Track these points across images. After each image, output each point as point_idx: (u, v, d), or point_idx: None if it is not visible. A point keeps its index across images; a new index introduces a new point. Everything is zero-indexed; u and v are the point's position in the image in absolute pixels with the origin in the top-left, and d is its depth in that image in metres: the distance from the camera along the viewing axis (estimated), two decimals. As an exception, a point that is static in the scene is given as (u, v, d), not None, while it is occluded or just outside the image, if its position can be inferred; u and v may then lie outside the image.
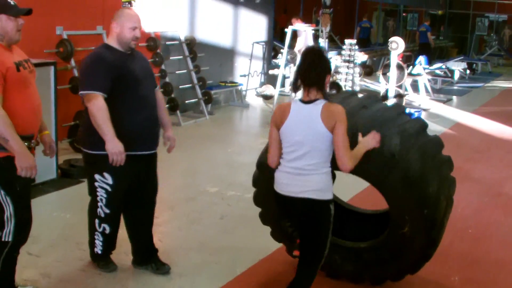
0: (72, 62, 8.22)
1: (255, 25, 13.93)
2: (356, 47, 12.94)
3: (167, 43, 10.77)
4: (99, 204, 4.47)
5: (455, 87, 18.01)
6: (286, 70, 12.85)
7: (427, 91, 15.23)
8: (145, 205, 4.73)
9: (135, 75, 4.38)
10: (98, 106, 4.16)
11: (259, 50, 14.15)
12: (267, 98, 13.09)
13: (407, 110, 4.82)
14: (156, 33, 10.36)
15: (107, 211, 4.49)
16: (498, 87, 19.08)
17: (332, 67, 13.76)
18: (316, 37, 13.47)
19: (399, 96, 12.20)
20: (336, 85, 12.35)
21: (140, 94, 4.39)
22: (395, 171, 4.06)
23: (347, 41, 13.03)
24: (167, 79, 10.46)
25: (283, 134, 3.80)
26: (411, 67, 15.24)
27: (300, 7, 16.77)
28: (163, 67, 10.39)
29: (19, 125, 3.68)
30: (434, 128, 11.35)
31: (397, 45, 12.00)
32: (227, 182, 7.24)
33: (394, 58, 12.20)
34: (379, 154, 4.02)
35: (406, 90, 13.77)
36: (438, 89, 16.81)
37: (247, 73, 13.69)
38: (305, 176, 3.71)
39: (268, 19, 14.49)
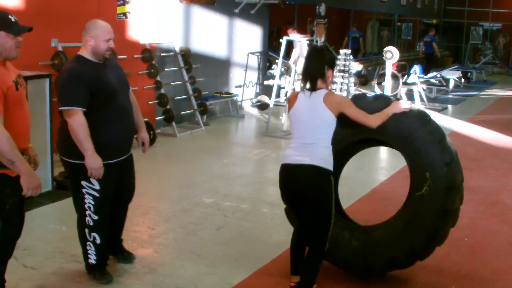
0: (67, 74, 8.21)
1: (250, 36, 13.97)
2: (351, 57, 12.97)
3: (162, 54, 10.79)
4: (87, 212, 4.54)
5: (450, 96, 18.06)
6: (281, 81, 12.86)
7: (422, 100, 15.26)
8: (124, 202, 4.95)
9: (112, 86, 4.50)
10: (78, 122, 4.27)
11: (254, 61, 14.18)
12: (262, 108, 13.12)
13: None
14: (151, 44, 10.38)
15: (96, 217, 4.56)
16: (493, 95, 19.13)
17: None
18: (311, 47, 13.49)
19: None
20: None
21: (118, 104, 4.54)
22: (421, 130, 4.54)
23: (341, 51, 13.06)
24: (162, 91, 10.47)
25: (292, 116, 4.49)
26: (406, 76, 15.29)
27: (294, 18, 16.80)
28: (158, 78, 10.40)
29: (17, 142, 3.67)
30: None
31: (391, 54, 12.05)
32: (223, 193, 7.23)
33: (389, 68, 12.23)
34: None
35: (401, 99, 13.78)
36: (433, 98, 16.86)
37: (242, 83, 13.72)
38: (310, 147, 4.32)
39: (263, 30, 14.53)
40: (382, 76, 12.56)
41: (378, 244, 4.67)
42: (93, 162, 4.31)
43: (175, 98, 10.93)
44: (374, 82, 13.34)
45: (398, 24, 26.45)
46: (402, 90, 13.79)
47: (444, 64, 23.26)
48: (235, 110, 13.16)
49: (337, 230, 4.77)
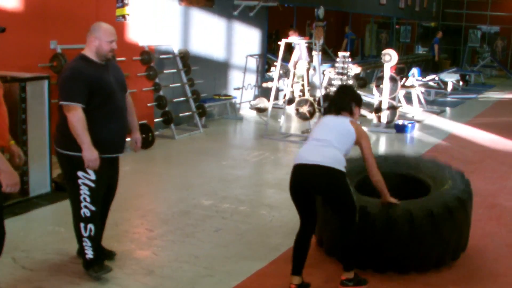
0: (66, 76, 8.22)
1: (248, 38, 13.98)
2: (350, 59, 13.00)
3: (161, 56, 10.79)
4: (83, 204, 4.69)
5: (449, 99, 18.08)
6: (280, 83, 12.87)
7: (420, 102, 15.27)
8: (106, 201, 5.05)
9: (111, 87, 4.73)
10: (77, 117, 4.51)
11: (252, 63, 14.19)
12: (261, 111, 13.11)
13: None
14: (150, 46, 10.38)
15: (92, 208, 4.72)
16: (491, 98, 19.16)
17: (326, 80, 13.82)
18: (310, 50, 13.53)
19: (393, 108, 12.24)
20: (330, 98, 12.38)
21: (115, 104, 4.76)
22: None
23: (340, 53, 13.09)
24: (161, 93, 10.47)
25: (316, 124, 4.93)
26: (404, 79, 15.30)
27: (293, 21, 16.83)
28: (157, 80, 10.41)
29: None
30: (427, 140, 11.39)
31: (390, 57, 12.04)
32: (222, 195, 7.23)
33: (387, 70, 12.24)
34: None
35: (399, 102, 13.82)
36: (431, 101, 16.88)
37: (241, 86, 13.73)
38: (324, 148, 4.57)
39: (262, 32, 14.54)
40: (380, 79, 12.55)
41: None
42: (90, 154, 4.52)
43: (174, 100, 10.94)
44: (373, 85, 13.32)
45: (397, 27, 26.47)
46: (400, 93, 13.81)
47: (443, 67, 23.30)
48: (234, 112, 13.16)
49: None
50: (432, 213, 4.90)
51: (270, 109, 11.53)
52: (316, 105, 11.21)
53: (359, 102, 4.89)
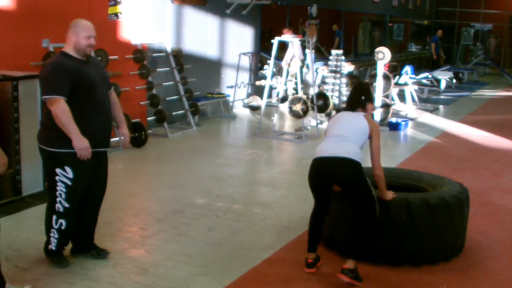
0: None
1: (242, 37, 13.97)
2: (343, 57, 13.00)
3: (153, 55, 10.77)
4: (58, 199, 4.76)
5: (442, 97, 18.13)
6: (273, 81, 12.86)
7: (413, 100, 15.30)
8: (95, 199, 5.10)
9: (92, 81, 4.79)
10: (62, 108, 4.56)
11: (246, 61, 14.18)
12: (254, 109, 13.13)
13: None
14: (143, 45, 10.36)
15: (66, 205, 4.78)
16: (484, 96, 19.21)
17: (319, 78, 13.82)
18: (303, 48, 13.53)
19: (386, 106, 12.25)
20: (323, 96, 12.39)
21: (97, 98, 4.81)
22: None
23: (333, 51, 13.09)
24: (154, 91, 10.45)
25: (331, 121, 5.23)
26: (397, 77, 15.31)
27: (286, 19, 16.83)
28: (150, 79, 10.39)
29: None
30: (421, 138, 11.41)
31: (383, 55, 12.05)
32: (215, 193, 7.22)
33: (381, 68, 12.25)
34: None
35: (392, 100, 13.83)
36: (424, 99, 16.92)
37: (234, 84, 13.72)
38: (344, 142, 4.88)
39: (255, 31, 14.53)
40: (373, 77, 12.56)
41: None
42: (80, 143, 4.58)
43: (167, 98, 10.92)
44: (366, 83, 13.33)
45: (390, 25, 26.50)
46: (393, 91, 13.82)
47: (443, 66, 23.36)
48: (227, 110, 13.15)
49: None
50: (428, 203, 5.08)
51: (263, 107, 11.52)
52: (309, 103, 11.21)
53: (372, 100, 5.29)
